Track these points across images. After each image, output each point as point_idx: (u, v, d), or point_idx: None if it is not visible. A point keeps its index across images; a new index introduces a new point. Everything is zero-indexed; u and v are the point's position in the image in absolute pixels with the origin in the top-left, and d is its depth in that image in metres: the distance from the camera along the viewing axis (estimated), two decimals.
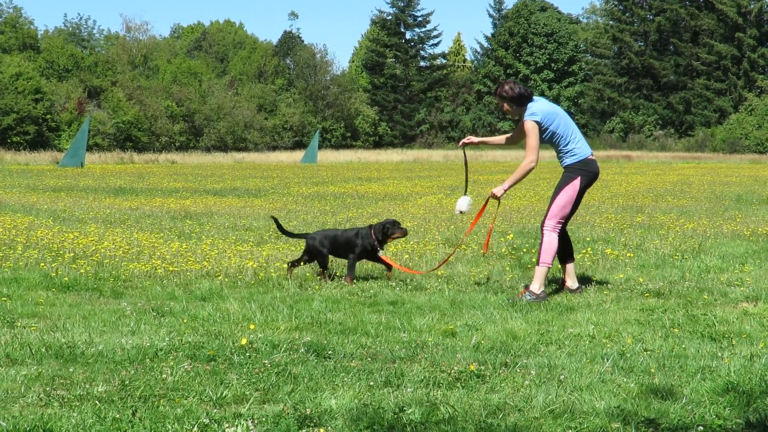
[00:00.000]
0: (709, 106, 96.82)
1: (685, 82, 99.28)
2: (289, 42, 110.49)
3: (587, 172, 9.81)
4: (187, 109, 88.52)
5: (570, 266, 10.09)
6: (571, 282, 10.03)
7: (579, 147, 9.82)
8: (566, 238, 10.09)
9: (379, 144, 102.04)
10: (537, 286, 9.63)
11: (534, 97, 9.86)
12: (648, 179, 36.98)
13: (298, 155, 68.99)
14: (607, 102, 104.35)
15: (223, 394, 5.75)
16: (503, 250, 13.27)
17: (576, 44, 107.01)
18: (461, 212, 10.43)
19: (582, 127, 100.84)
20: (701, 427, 5.18)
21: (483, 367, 6.45)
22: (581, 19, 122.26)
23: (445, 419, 5.32)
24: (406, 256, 12.46)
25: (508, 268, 11.62)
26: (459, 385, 6.06)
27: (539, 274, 9.67)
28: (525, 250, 13.30)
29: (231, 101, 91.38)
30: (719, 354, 6.99)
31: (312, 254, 10.84)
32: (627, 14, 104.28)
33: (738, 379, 6.12)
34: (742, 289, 9.94)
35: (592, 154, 9.91)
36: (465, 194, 10.43)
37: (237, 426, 5.12)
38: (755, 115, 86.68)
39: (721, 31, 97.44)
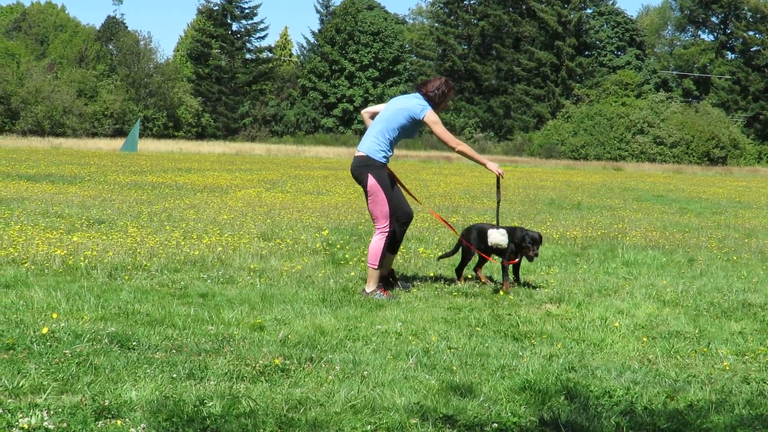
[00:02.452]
0: (528, 112, 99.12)
1: (506, 86, 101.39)
2: (113, 27, 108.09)
3: None
4: (3, 91, 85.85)
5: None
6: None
7: None
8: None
9: (201, 135, 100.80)
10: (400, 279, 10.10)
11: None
12: (466, 180, 37.55)
13: (118, 143, 67.59)
14: None
15: (20, 384, 5.61)
16: (318, 246, 13.30)
17: (401, 44, 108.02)
18: (497, 246, 10.47)
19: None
20: (496, 424, 5.32)
21: (288, 362, 6.47)
22: (407, 20, 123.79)
23: (246, 413, 5.31)
24: (220, 248, 12.37)
25: (321, 263, 11.66)
26: (263, 379, 6.06)
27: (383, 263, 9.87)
28: (339, 246, 13.37)
29: (50, 85, 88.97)
30: (520, 353, 7.18)
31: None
32: (452, 17, 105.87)
33: (535, 378, 6.30)
34: (546, 290, 10.22)
35: (358, 151, 9.96)
36: (498, 227, 10.48)
37: (31, 417, 5.00)
38: (571, 122, 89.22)
39: (541, 38, 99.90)
